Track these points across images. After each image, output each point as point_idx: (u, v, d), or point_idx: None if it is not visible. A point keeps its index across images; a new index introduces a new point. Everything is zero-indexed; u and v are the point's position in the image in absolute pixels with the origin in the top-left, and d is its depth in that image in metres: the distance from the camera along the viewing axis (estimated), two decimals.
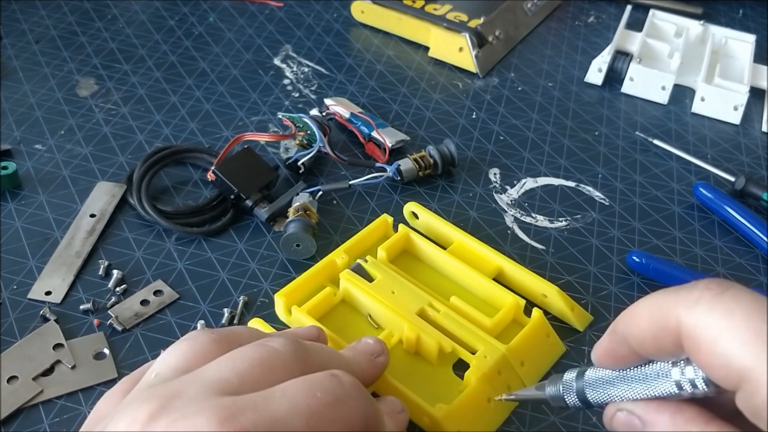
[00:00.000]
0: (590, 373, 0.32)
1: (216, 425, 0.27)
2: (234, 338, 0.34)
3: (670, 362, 0.28)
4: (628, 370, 0.29)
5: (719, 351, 0.24)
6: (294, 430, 0.28)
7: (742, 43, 0.73)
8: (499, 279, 0.49)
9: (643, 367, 0.29)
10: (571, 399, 0.32)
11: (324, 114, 0.62)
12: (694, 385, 0.27)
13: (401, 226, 0.51)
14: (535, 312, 0.46)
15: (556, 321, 0.48)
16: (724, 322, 0.24)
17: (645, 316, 0.27)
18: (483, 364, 0.42)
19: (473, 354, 0.42)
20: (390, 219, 0.52)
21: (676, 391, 0.27)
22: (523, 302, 0.46)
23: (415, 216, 0.53)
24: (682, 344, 0.26)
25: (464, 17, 0.73)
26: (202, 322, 0.47)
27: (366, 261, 0.47)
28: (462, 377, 0.42)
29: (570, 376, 0.33)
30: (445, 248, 0.50)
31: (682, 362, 0.27)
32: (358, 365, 0.36)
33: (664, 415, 0.27)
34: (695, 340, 0.25)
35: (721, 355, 0.24)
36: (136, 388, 0.32)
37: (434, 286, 0.48)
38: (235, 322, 0.47)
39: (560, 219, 0.56)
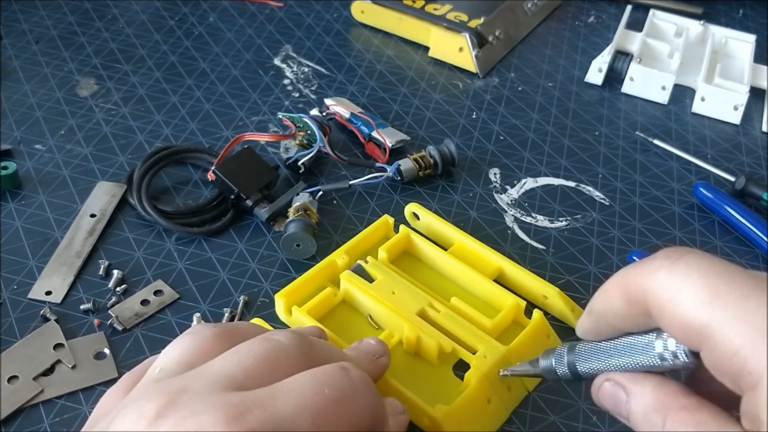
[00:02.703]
0: (581, 346, 0.33)
1: (223, 424, 0.27)
2: (237, 332, 0.33)
3: (654, 334, 0.29)
4: (616, 341, 0.30)
5: (679, 313, 0.26)
6: (301, 429, 0.28)
7: (742, 43, 0.73)
8: (500, 280, 0.49)
9: (628, 339, 0.30)
10: (563, 371, 0.33)
11: (324, 114, 0.62)
12: (675, 356, 0.28)
13: (402, 227, 0.51)
14: (536, 313, 0.46)
15: (556, 322, 0.48)
16: (681, 286, 0.26)
17: (615, 292, 0.29)
18: (483, 364, 0.42)
19: (473, 354, 0.42)
20: (391, 220, 0.52)
21: (659, 363, 0.28)
22: (523, 303, 0.46)
23: (416, 217, 0.53)
24: (649, 313, 0.27)
25: (464, 17, 0.73)
26: (197, 315, 0.47)
27: (366, 262, 0.47)
28: (462, 378, 0.42)
29: (562, 349, 0.34)
30: (446, 249, 0.50)
31: (665, 334, 0.28)
32: (360, 365, 0.36)
33: (646, 386, 0.28)
34: (658, 304, 0.26)
35: (682, 315, 0.25)
36: (140, 384, 0.31)
37: (435, 287, 0.48)
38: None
39: (560, 219, 0.56)
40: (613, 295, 0.29)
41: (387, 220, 0.52)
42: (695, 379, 0.29)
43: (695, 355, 0.27)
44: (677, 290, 0.26)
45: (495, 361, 0.42)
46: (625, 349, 0.30)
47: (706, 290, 0.25)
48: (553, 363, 0.34)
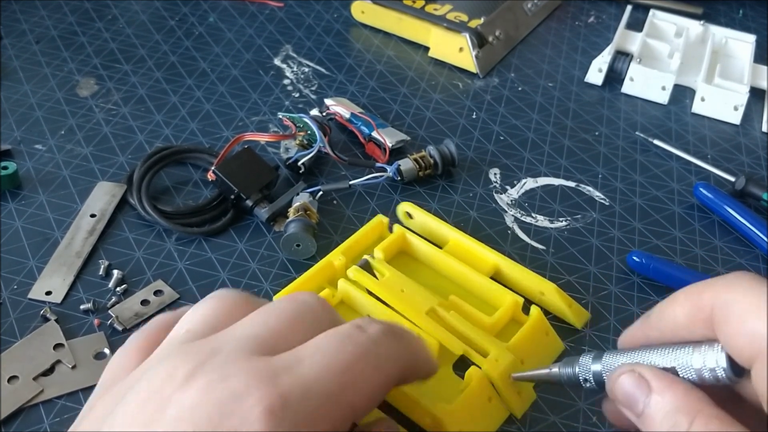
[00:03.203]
0: (608, 357, 0.32)
1: (254, 389, 0.26)
2: (257, 299, 0.33)
3: (691, 347, 0.28)
4: (647, 353, 0.30)
5: (747, 324, 0.26)
6: (329, 388, 0.28)
7: (742, 43, 0.73)
8: (496, 277, 0.49)
9: (662, 350, 0.29)
10: (586, 379, 0.33)
11: (324, 114, 0.62)
12: (713, 372, 0.28)
13: (396, 227, 0.51)
14: (534, 310, 0.46)
15: (553, 319, 0.48)
16: (755, 303, 0.26)
17: (683, 299, 0.29)
18: (495, 368, 0.41)
19: (484, 357, 0.42)
20: (385, 220, 0.52)
21: (693, 377, 0.28)
22: (521, 300, 0.46)
23: (410, 216, 0.53)
24: (712, 320, 0.28)
25: (464, 17, 0.73)
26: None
27: (374, 257, 0.47)
28: (462, 376, 0.42)
29: (586, 358, 0.33)
30: (441, 247, 0.50)
31: (703, 347, 0.28)
32: (409, 334, 0.35)
33: (677, 387, 0.28)
34: (726, 312, 0.27)
35: (747, 328, 0.26)
36: (165, 344, 0.31)
37: (432, 286, 0.48)
38: None
39: (560, 219, 0.56)
40: (680, 302, 0.29)
41: (381, 220, 0.52)
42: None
43: (735, 372, 0.27)
44: (750, 306, 0.26)
45: (506, 366, 0.42)
46: (659, 356, 0.29)
47: None
48: (576, 371, 0.33)
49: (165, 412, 0.26)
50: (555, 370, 0.35)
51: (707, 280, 0.29)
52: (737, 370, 0.27)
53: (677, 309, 0.29)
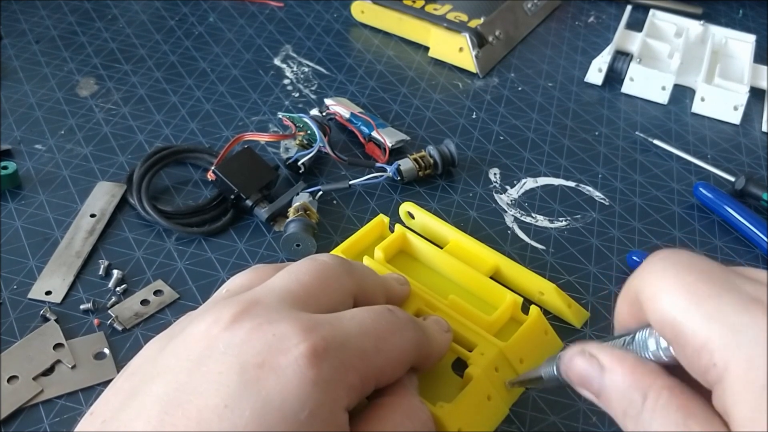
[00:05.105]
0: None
1: (298, 333, 0.28)
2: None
3: (647, 331, 0.28)
4: (614, 342, 0.30)
5: (657, 310, 0.26)
6: (365, 346, 0.30)
7: (742, 43, 0.73)
8: (496, 277, 0.49)
9: (626, 337, 0.30)
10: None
11: (324, 114, 0.62)
12: (668, 354, 0.27)
13: (397, 226, 0.51)
14: (533, 309, 0.46)
15: (552, 318, 0.48)
16: (659, 284, 0.26)
17: (621, 298, 0.30)
18: (480, 361, 0.42)
19: (470, 351, 0.42)
20: (386, 219, 0.52)
21: (652, 359, 0.28)
22: (520, 300, 0.46)
23: (411, 216, 0.53)
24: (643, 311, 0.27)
25: (464, 17, 0.73)
26: None
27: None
28: (461, 376, 0.42)
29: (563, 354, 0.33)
30: (441, 247, 0.50)
31: (656, 332, 0.28)
32: (434, 334, 0.37)
33: (626, 362, 0.27)
34: (644, 303, 0.27)
35: (659, 312, 0.26)
36: (208, 301, 0.33)
37: (432, 286, 0.48)
38: None
39: (560, 219, 0.56)
40: (620, 301, 0.30)
41: (382, 219, 0.52)
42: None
43: None
44: (656, 288, 0.26)
45: (491, 358, 0.42)
46: (622, 346, 0.30)
47: (680, 288, 0.25)
48: (554, 370, 0.33)
49: (214, 348, 0.28)
50: (539, 371, 0.35)
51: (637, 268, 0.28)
52: None
53: (620, 308, 0.29)
